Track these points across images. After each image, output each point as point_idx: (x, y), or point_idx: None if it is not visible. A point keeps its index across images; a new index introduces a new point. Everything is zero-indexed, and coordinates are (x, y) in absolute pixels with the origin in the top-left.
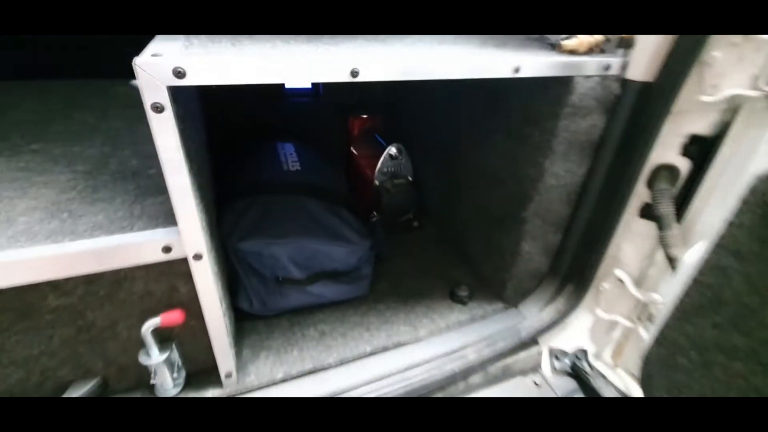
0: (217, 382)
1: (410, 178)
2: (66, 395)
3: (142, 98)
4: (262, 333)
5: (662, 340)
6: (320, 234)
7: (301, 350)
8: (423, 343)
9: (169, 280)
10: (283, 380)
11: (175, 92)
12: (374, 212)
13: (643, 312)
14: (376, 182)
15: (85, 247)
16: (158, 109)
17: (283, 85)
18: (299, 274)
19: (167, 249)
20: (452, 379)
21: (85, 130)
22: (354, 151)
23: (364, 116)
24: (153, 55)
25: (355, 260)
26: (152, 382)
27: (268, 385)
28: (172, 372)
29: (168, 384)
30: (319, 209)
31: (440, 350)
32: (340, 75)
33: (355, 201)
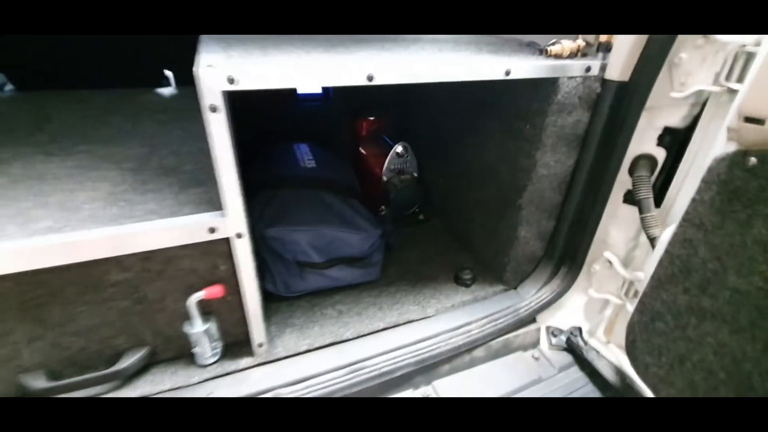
0: (249, 352)
1: (415, 174)
2: (119, 364)
3: (200, 101)
4: (285, 312)
5: (642, 308)
6: (336, 222)
7: (322, 326)
8: (431, 319)
9: (211, 258)
10: (307, 351)
11: (226, 96)
12: (382, 206)
13: (630, 289)
14: (384, 178)
15: (143, 228)
16: (214, 109)
17: (295, 89)
18: (318, 258)
19: (212, 230)
20: (458, 351)
21: (122, 133)
22: (362, 150)
23: (372, 118)
24: (208, 66)
25: (368, 247)
26: (193, 350)
27: (294, 355)
28: (210, 342)
29: (207, 353)
30: (334, 201)
31: (447, 326)
32: (358, 79)
33: (365, 196)
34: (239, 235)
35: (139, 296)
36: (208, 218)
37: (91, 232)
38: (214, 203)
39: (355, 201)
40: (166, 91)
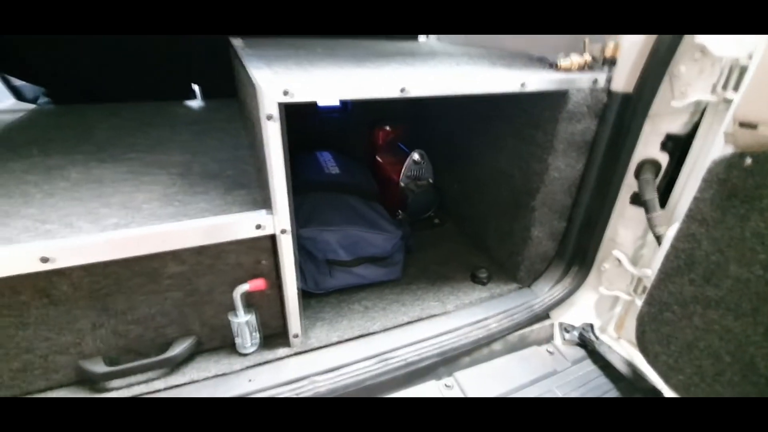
0: (285, 343)
1: (431, 180)
2: (170, 351)
3: (259, 111)
4: (315, 308)
5: (650, 300)
6: (362, 223)
7: (350, 320)
8: (451, 315)
9: (256, 253)
10: (338, 342)
11: (281, 107)
12: (400, 211)
13: (638, 286)
14: (402, 184)
15: (198, 224)
16: (271, 118)
17: (316, 102)
18: (346, 257)
19: (258, 227)
20: (477, 344)
21: (162, 142)
22: (379, 158)
23: (387, 127)
24: (267, 80)
25: (390, 247)
26: (235, 340)
27: (326, 346)
28: (251, 332)
29: (248, 342)
30: (358, 204)
31: (466, 321)
32: (392, 92)
33: (381, 201)
34: (284, 231)
35: (191, 288)
36: (255, 216)
37: (154, 228)
38: (258, 203)
39: (377, 204)
40: (194, 103)
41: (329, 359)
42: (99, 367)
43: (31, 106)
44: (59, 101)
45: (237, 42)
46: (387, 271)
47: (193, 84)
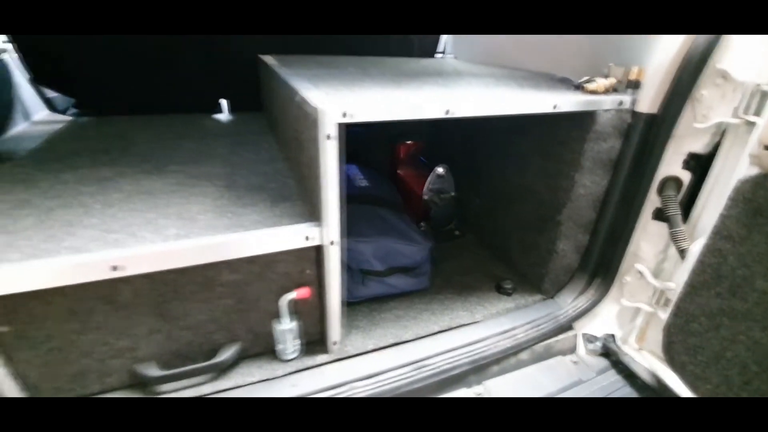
0: (323, 350)
1: (453, 194)
2: (219, 356)
3: (318, 131)
4: (349, 316)
5: (678, 312)
6: (394, 235)
7: (383, 329)
8: (480, 324)
9: (302, 263)
10: (374, 350)
11: (340, 127)
12: (422, 222)
13: (660, 298)
14: (425, 197)
15: (253, 235)
16: (329, 137)
17: None
18: (380, 267)
19: (307, 238)
20: (505, 353)
21: (200, 154)
22: (402, 171)
23: (409, 142)
24: (327, 103)
25: (420, 257)
26: (277, 347)
27: (362, 353)
28: (293, 339)
29: (290, 349)
30: (388, 215)
31: (494, 330)
32: (439, 112)
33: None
34: (333, 243)
35: (241, 296)
36: (304, 228)
37: (213, 238)
38: (304, 215)
39: (405, 216)
40: (222, 116)
41: (366, 366)
42: (152, 371)
43: (63, 117)
44: (89, 113)
45: (270, 60)
46: (416, 281)
47: (220, 98)
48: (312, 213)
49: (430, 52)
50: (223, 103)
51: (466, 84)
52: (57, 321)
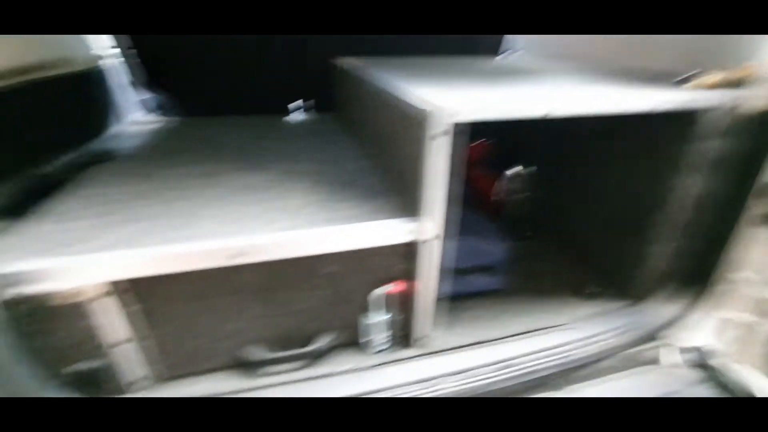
0: (411, 344)
1: (528, 194)
2: (315, 344)
3: (428, 130)
4: None
5: None
6: (475, 233)
7: (464, 327)
8: (564, 328)
9: (399, 257)
10: (460, 347)
11: (450, 126)
12: (495, 223)
13: (764, 308)
14: (499, 197)
15: (356, 229)
16: (438, 136)
17: None
18: (462, 265)
19: (407, 233)
20: (590, 360)
21: (285, 152)
22: (474, 172)
23: (482, 141)
24: (439, 102)
25: (499, 257)
26: (367, 338)
27: (448, 350)
28: (384, 332)
29: (380, 341)
30: (468, 214)
31: (579, 335)
32: (539, 111)
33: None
34: (437, 237)
35: (338, 287)
36: (402, 223)
37: (319, 230)
38: (400, 210)
39: (482, 215)
40: (299, 116)
41: (453, 362)
42: (256, 354)
43: (153, 118)
44: (176, 114)
45: (350, 62)
46: (495, 281)
47: (293, 100)
48: (411, 208)
49: (494, 49)
50: (296, 104)
51: (556, 82)
52: (180, 303)
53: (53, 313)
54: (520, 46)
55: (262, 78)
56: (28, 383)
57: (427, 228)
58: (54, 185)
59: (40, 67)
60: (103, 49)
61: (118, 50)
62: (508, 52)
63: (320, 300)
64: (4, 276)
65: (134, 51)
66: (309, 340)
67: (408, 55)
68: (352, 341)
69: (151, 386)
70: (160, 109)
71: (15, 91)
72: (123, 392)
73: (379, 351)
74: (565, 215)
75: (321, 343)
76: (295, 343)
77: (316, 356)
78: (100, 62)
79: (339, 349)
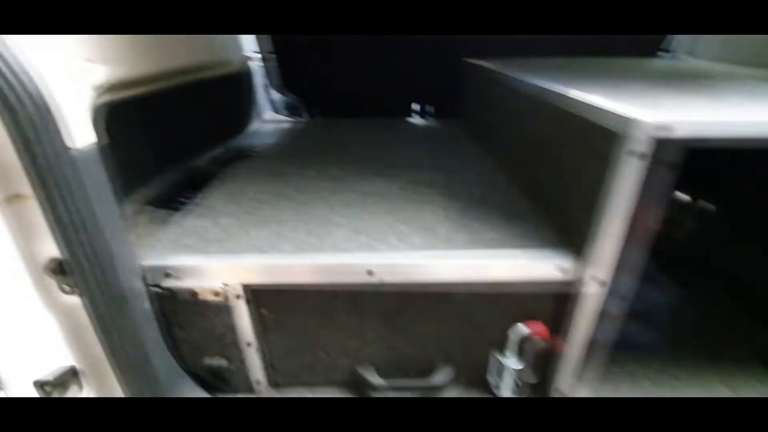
0: (543, 394)
1: (693, 228)
2: (433, 378)
3: (624, 146)
4: None
5: None
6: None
7: (613, 386)
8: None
9: (546, 297)
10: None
11: (654, 144)
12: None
13: None
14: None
15: (497, 258)
16: (636, 154)
17: None
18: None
19: (561, 270)
20: None
21: (410, 158)
22: None
23: None
24: (642, 112)
25: (655, 302)
26: (493, 379)
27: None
28: (513, 377)
29: (506, 386)
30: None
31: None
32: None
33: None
34: (603, 283)
35: (467, 319)
36: (558, 258)
37: (460, 256)
38: (548, 240)
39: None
40: (416, 120)
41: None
42: (373, 378)
43: (281, 117)
44: (305, 114)
45: (491, 65)
46: (649, 333)
47: (414, 103)
48: (570, 241)
49: (651, 49)
50: (417, 107)
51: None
52: (309, 314)
53: (197, 308)
54: (680, 47)
55: (386, 81)
56: (166, 377)
57: (587, 269)
58: (204, 179)
59: (204, 67)
60: (249, 52)
61: (258, 54)
62: (670, 54)
63: (445, 329)
64: (162, 268)
65: (274, 55)
66: (428, 369)
67: (545, 56)
68: (476, 380)
69: (266, 392)
70: (288, 109)
71: (180, 89)
72: (245, 392)
73: (506, 397)
74: (751, 260)
75: (443, 377)
76: (413, 371)
77: (434, 390)
78: (249, 63)
79: (460, 384)
